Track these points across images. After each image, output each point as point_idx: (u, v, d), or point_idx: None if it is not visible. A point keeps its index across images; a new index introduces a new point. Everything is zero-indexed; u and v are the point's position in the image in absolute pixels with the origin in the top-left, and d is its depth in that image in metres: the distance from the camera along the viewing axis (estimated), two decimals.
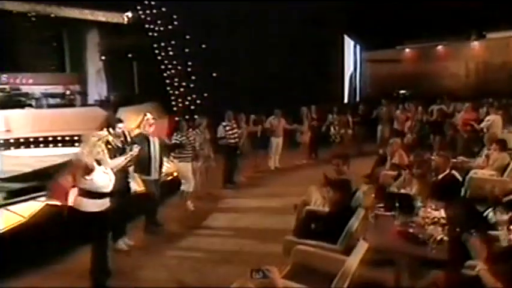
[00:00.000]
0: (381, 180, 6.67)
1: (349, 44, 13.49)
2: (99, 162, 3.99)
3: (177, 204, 6.98)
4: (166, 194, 7.01)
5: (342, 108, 10.99)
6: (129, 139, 5.29)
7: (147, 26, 11.72)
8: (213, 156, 7.95)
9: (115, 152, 4.74)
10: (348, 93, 13.36)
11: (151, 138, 5.63)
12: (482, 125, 8.49)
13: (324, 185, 5.05)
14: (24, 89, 14.79)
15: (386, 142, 10.22)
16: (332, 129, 10.56)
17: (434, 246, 3.37)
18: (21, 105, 12.86)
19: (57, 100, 13.88)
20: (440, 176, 4.94)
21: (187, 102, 12.14)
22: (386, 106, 11.07)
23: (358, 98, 14.37)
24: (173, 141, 6.50)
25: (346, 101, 13.13)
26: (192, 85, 12.02)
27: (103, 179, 4.05)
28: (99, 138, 3.97)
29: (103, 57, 15.03)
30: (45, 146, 10.34)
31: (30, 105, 13.12)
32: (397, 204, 3.97)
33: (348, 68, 13.51)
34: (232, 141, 8.21)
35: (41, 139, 10.47)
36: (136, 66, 14.73)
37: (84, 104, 14.22)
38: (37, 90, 14.78)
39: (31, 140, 10.38)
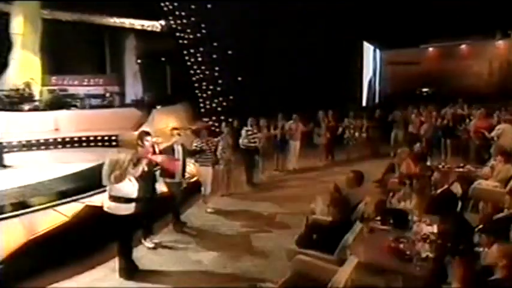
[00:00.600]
0: (389, 187, 6.83)
1: (368, 49, 13.36)
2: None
3: (199, 204, 7.32)
4: (191, 194, 7.46)
5: (359, 112, 11.01)
6: (157, 150, 5.68)
7: (178, 34, 12.08)
8: (233, 159, 8.25)
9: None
10: (367, 97, 13.29)
11: (175, 146, 6.11)
12: (493, 133, 8.36)
13: (330, 195, 5.29)
14: (70, 89, 15.76)
15: (400, 146, 10.40)
16: (347, 132, 10.62)
17: (419, 264, 3.55)
18: (68, 106, 13.69)
19: (98, 101, 14.65)
20: (439, 191, 5.05)
21: (214, 104, 12.53)
22: (401, 110, 10.98)
23: (377, 100, 14.21)
24: (193, 148, 6.85)
25: (364, 104, 13.08)
26: (218, 88, 12.41)
27: (128, 187, 4.54)
28: (117, 159, 4.42)
29: (139, 61, 15.71)
30: (86, 146, 10.99)
31: (75, 106, 13.94)
32: (391, 221, 4.15)
33: (367, 72, 13.40)
34: (253, 145, 8.52)
35: (83, 139, 11.12)
36: (169, 69, 15.30)
37: (122, 104, 14.94)
38: (81, 90, 15.71)
39: (75, 139, 11.02)
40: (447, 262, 3.31)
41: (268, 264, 5.02)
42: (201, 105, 12.58)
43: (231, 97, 12.51)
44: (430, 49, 19.44)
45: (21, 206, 5.55)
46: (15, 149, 10.14)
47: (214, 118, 12.62)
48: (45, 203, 5.69)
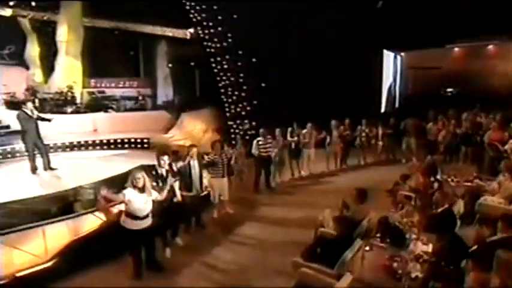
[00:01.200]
0: (398, 199, 7.03)
1: (388, 56, 13.30)
2: (141, 190, 4.78)
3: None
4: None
5: (373, 119, 11.03)
6: (175, 168, 6.07)
7: (205, 43, 12.56)
8: (246, 171, 8.55)
9: (158, 178, 5.56)
10: (386, 102, 13.27)
11: (192, 162, 6.40)
12: (506, 147, 8.28)
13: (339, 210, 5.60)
14: (108, 91, 16.69)
15: (412, 154, 10.45)
16: (358, 139, 10.67)
17: (407, 283, 3.83)
18: (105, 108, 14.55)
19: (132, 103, 15.44)
20: (439, 210, 5.24)
21: (238, 109, 12.96)
22: (413, 119, 10.95)
23: (397, 105, 14.10)
24: (206, 160, 7.04)
25: (383, 109, 13.09)
26: (243, 94, 12.80)
27: (140, 204, 4.78)
28: (142, 175, 4.80)
29: (170, 65, 16.35)
30: (121, 148, 11.72)
31: (111, 108, 14.79)
32: (387, 240, 4.42)
33: (387, 78, 13.35)
34: (264, 154, 8.67)
35: (119, 140, 11.86)
36: (197, 73, 15.84)
37: (154, 105, 15.68)
38: (117, 92, 16.60)
39: (112, 141, 11.77)
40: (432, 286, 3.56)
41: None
42: (227, 109, 13.01)
43: (254, 102, 12.87)
44: (456, 49, 18.94)
45: (65, 210, 6.19)
46: (59, 150, 11.00)
47: (238, 121, 13.07)
48: (86, 207, 6.28)
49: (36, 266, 4.91)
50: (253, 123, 12.99)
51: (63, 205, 6.41)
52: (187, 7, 12.58)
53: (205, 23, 12.46)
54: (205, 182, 6.79)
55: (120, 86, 16.89)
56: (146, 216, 4.89)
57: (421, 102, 14.37)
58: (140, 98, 15.56)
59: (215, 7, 12.36)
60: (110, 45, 16.70)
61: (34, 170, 8.17)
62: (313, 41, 11.93)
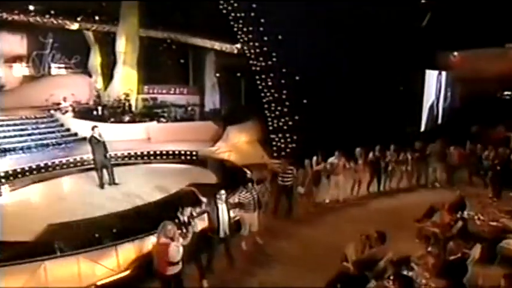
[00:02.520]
0: (422, 233, 7.73)
1: (431, 74, 13.50)
2: (171, 239, 5.48)
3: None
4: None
5: (399, 145, 10.94)
6: (194, 214, 6.55)
7: (251, 61, 13.65)
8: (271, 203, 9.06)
9: (181, 225, 6.18)
10: (426, 120, 13.53)
11: (219, 205, 6.55)
12: None
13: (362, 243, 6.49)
14: (159, 97, 18.45)
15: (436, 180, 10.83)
16: (384, 164, 10.68)
17: None
18: (158, 118, 16.20)
19: (181, 111, 16.98)
20: (451, 258, 5.93)
21: (280, 123, 13.99)
22: (440, 143, 11.08)
23: (439, 121, 14.22)
24: (236, 201, 7.38)
25: (423, 128, 13.38)
26: (285, 109, 13.79)
27: (174, 252, 5.32)
28: (172, 226, 5.57)
29: (217, 74, 17.65)
30: (173, 158, 13.15)
31: (162, 117, 16.42)
32: (397, 284, 5.27)
33: (429, 96, 13.57)
34: (288, 183, 8.93)
35: (170, 152, 13.33)
36: (243, 83, 17.00)
37: (202, 115, 17.13)
38: (168, 98, 18.30)
39: (164, 153, 13.27)
40: None
41: None
42: (269, 123, 14.07)
43: (296, 117, 13.82)
44: None
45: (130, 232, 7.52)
46: (119, 160, 12.67)
47: (280, 135, 14.12)
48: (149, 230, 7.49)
49: (110, 277, 6.39)
50: (294, 137, 14.04)
51: (131, 223, 7.82)
52: (235, 29, 13.70)
53: (251, 43, 13.52)
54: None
55: (171, 92, 18.57)
56: (178, 262, 5.45)
57: (473, 109, 14.15)
58: (190, 108, 17.02)
59: (261, 29, 13.35)
60: (161, 54, 18.39)
61: (102, 186, 9.85)
62: (355, 61, 12.56)
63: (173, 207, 6.73)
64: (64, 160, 12.09)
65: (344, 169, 9.92)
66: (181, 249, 5.37)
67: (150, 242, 6.81)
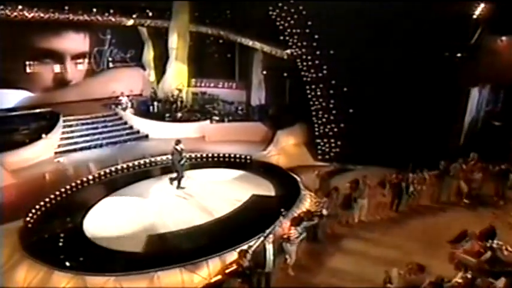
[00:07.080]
0: (454, 257, 9.51)
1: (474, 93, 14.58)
2: None
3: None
4: None
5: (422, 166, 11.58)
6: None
7: (302, 73, 15.23)
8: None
9: None
10: (465, 134, 14.75)
11: (267, 246, 7.67)
12: None
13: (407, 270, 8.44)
14: (208, 91, 20.32)
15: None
16: (411, 187, 11.29)
17: None
18: (210, 114, 18.17)
19: (233, 110, 18.89)
20: None
21: (326, 129, 15.75)
22: (460, 163, 11.71)
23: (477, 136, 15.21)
24: (295, 237, 8.47)
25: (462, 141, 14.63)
26: (332, 117, 15.48)
27: None
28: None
29: (264, 72, 19.18)
30: (228, 162, 15.04)
31: (214, 114, 18.37)
32: None
33: (471, 112, 14.71)
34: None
35: (226, 155, 15.28)
36: (288, 83, 18.49)
37: (249, 112, 18.94)
38: (216, 92, 20.14)
39: (221, 157, 15.21)
40: None
41: None
42: (316, 129, 15.85)
43: (341, 125, 15.52)
44: None
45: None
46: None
47: (325, 140, 15.93)
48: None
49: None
50: (338, 143, 15.81)
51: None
52: (290, 43, 15.19)
53: (305, 57, 15.03)
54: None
55: (220, 86, 20.35)
56: None
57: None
58: (240, 107, 18.90)
59: (314, 44, 14.80)
60: (210, 50, 20.07)
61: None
62: (400, 76, 13.87)
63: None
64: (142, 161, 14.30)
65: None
66: None
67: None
